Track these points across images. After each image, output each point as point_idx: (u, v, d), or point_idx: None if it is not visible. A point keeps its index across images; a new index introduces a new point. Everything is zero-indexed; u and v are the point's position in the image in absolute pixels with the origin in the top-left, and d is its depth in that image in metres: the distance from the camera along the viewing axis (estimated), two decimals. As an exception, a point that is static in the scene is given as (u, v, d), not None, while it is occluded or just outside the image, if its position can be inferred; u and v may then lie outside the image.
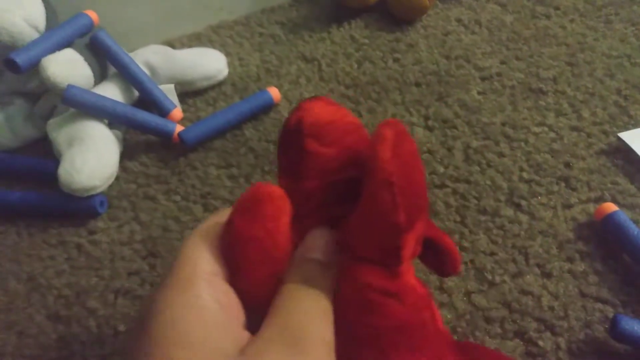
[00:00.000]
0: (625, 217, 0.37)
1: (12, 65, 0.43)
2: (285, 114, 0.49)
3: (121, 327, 0.36)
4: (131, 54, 0.50)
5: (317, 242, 0.24)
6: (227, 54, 0.55)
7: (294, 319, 0.21)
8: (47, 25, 0.47)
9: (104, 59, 0.48)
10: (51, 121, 0.45)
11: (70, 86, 0.43)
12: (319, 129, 0.25)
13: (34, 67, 0.44)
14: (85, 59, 0.46)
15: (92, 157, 0.42)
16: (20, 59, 0.43)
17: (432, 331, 0.25)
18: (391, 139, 0.23)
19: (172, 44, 0.57)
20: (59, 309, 0.38)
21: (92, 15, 0.49)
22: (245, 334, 0.21)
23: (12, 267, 0.41)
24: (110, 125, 0.46)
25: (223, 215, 0.24)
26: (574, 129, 0.46)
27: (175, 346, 0.19)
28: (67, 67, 0.44)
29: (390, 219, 0.22)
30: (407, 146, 0.24)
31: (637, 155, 0.42)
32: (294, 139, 0.26)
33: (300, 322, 0.21)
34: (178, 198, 0.44)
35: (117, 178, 0.45)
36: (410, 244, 0.24)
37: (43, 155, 0.47)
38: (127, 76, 0.48)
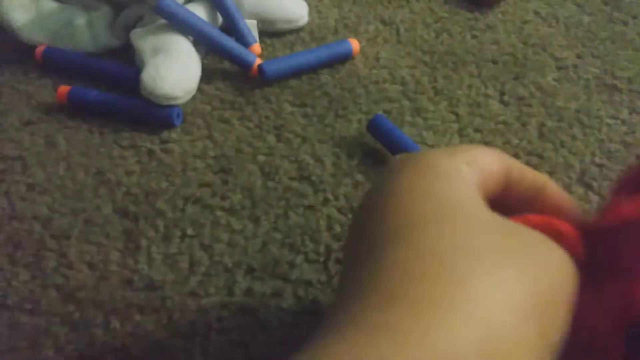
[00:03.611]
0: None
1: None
2: (362, 67, 0.50)
3: (189, 231, 0.37)
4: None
5: None
6: (306, 5, 0.56)
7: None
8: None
9: (195, -20, 0.49)
10: (137, 30, 0.46)
11: (164, -3, 0.43)
12: None
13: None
14: (179, -24, 0.47)
15: (177, 67, 0.42)
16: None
17: None
18: None
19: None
20: (127, 205, 0.38)
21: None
22: None
23: (81, 160, 0.41)
24: (195, 41, 0.47)
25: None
26: (647, 126, 0.46)
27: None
28: (163, -21, 0.44)
29: None
30: None
31: None
32: None
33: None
34: (252, 125, 0.44)
35: (192, 97, 0.45)
36: None
37: (124, 64, 0.47)
38: (215, 1, 0.48)
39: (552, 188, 0.24)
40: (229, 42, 0.46)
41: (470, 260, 0.17)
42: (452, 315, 0.15)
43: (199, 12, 0.47)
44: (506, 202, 0.23)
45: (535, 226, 0.20)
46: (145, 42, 0.44)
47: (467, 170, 0.21)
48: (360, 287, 0.17)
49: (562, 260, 0.19)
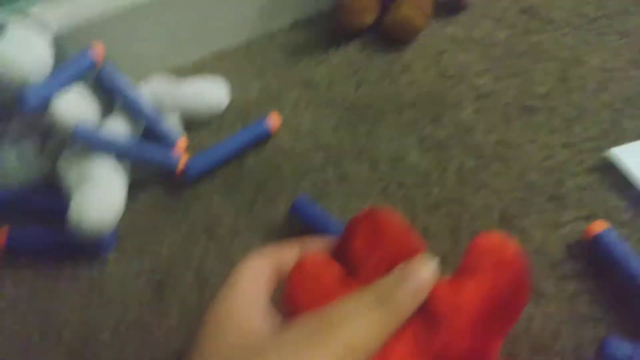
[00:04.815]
0: (615, 235, 0.38)
1: (22, 104, 0.45)
2: (286, 140, 0.51)
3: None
4: (136, 85, 0.52)
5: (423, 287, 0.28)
6: (229, 81, 0.57)
7: (338, 310, 0.26)
8: (56, 62, 0.49)
9: (110, 92, 0.51)
10: (61, 160, 0.48)
11: (77, 126, 0.45)
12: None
13: (44, 105, 0.46)
14: (93, 94, 0.49)
15: (101, 195, 0.44)
16: (30, 98, 0.45)
17: None
18: None
19: (176, 73, 0.59)
20: (75, 346, 0.40)
21: (99, 49, 0.51)
22: None
23: (29, 304, 0.43)
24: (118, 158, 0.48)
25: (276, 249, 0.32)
26: (565, 145, 0.46)
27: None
28: (75, 106, 0.46)
29: None
30: None
31: (628, 171, 0.43)
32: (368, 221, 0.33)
33: (340, 315, 0.26)
34: (184, 229, 0.46)
35: (125, 211, 0.47)
36: None
37: (55, 191, 0.49)
38: (133, 110, 0.50)
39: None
40: (150, 151, 0.48)
41: None
42: None
43: (119, 123, 0.49)
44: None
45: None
46: (69, 172, 0.46)
47: (255, 292, 0.28)
48: None
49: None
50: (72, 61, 0.49)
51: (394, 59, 0.57)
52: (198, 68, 0.61)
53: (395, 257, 0.31)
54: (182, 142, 0.51)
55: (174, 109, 0.53)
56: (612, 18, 0.58)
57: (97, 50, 0.50)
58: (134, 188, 0.49)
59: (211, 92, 0.54)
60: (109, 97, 0.51)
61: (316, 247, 0.33)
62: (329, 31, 0.62)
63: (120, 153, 0.47)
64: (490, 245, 0.32)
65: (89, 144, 0.46)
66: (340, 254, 0.33)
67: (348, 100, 0.54)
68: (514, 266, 0.31)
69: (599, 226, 0.39)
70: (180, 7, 0.57)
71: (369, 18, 0.58)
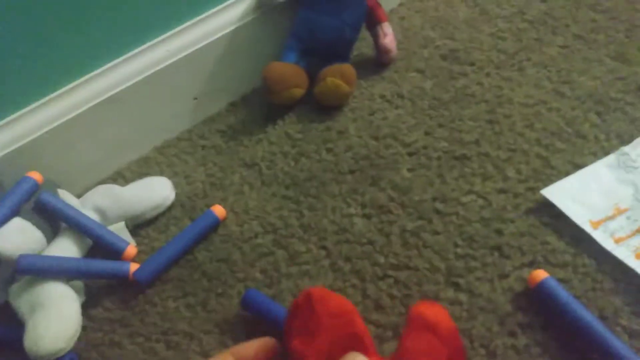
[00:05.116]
0: (555, 283, 0.39)
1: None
2: (234, 227, 0.52)
3: None
4: (79, 200, 0.53)
5: None
6: (174, 174, 0.58)
7: None
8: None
9: (53, 215, 0.51)
10: (12, 288, 0.48)
11: (21, 257, 0.45)
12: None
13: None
14: (35, 222, 0.49)
15: (53, 321, 0.44)
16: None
17: None
18: None
19: (121, 174, 0.60)
20: None
21: (35, 175, 0.52)
22: None
23: None
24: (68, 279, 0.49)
25: None
26: (500, 191, 0.47)
27: None
28: (17, 238, 0.47)
29: None
30: None
31: (561, 210, 0.44)
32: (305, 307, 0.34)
33: None
34: (141, 340, 0.46)
35: (84, 328, 0.47)
36: None
37: (11, 319, 0.49)
38: (77, 228, 0.50)
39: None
40: (99, 265, 0.48)
41: None
42: None
43: (65, 244, 0.50)
44: None
45: None
46: (20, 300, 0.46)
47: None
48: None
49: None
50: (10, 194, 0.49)
51: (329, 127, 0.58)
52: (142, 165, 0.61)
53: (335, 345, 0.32)
54: (130, 249, 0.51)
55: (119, 218, 0.53)
56: (530, 50, 0.60)
57: (34, 176, 0.51)
58: (90, 304, 0.49)
59: (155, 192, 0.55)
60: (52, 220, 0.51)
61: (251, 352, 0.33)
62: (264, 108, 0.63)
63: (67, 275, 0.47)
64: (423, 323, 0.32)
65: (35, 273, 0.46)
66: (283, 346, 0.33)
67: (289, 176, 0.55)
68: (448, 344, 0.31)
69: (538, 276, 0.40)
70: (117, 112, 0.58)
71: (297, 92, 0.60)
